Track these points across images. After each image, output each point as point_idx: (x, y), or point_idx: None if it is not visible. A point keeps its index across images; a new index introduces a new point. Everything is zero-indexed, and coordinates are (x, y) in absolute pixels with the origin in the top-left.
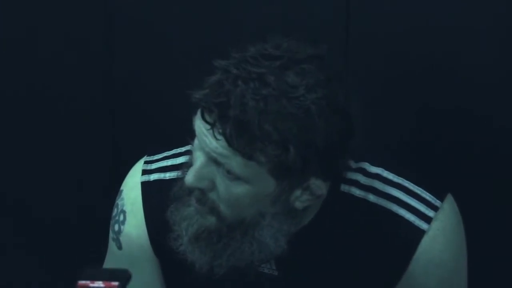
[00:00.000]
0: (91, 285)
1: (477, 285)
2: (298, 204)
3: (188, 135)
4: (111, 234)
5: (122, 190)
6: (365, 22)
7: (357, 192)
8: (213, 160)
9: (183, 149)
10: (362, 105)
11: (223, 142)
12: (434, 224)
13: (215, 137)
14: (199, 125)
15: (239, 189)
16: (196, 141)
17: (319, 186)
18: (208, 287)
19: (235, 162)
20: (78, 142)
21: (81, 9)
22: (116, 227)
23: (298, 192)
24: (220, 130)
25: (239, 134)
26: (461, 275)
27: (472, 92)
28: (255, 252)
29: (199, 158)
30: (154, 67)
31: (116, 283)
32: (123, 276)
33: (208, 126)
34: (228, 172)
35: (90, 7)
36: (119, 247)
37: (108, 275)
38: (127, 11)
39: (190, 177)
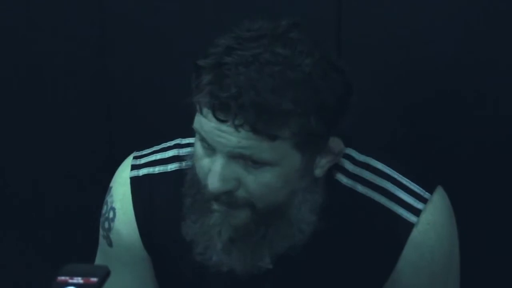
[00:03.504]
0: (70, 281)
1: (469, 280)
2: (319, 171)
3: (186, 132)
4: (101, 232)
5: (111, 187)
6: (357, 18)
7: (344, 180)
8: (235, 156)
9: (172, 143)
10: (355, 100)
11: (244, 133)
12: (423, 217)
13: (236, 130)
14: (210, 129)
15: (268, 175)
16: (200, 150)
17: (336, 142)
18: (202, 283)
19: (262, 148)
20: (74, 141)
21: (76, 6)
22: (106, 225)
23: (318, 158)
24: (242, 121)
25: (261, 118)
26: (453, 270)
27: (467, 86)
28: (295, 233)
29: (217, 162)
30: (150, 63)
31: (95, 279)
32: (101, 273)
33: (224, 125)
34: (255, 161)
35: (84, 3)
36: (110, 244)
37: (87, 272)
38: (122, 7)
39: (215, 183)
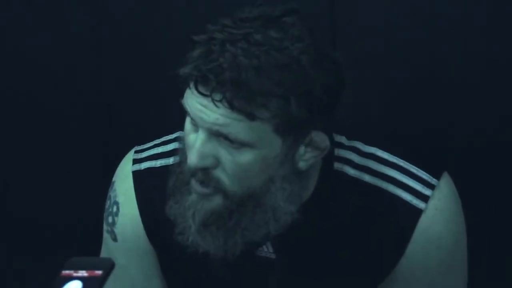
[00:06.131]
0: (75, 274)
1: (476, 267)
2: (302, 164)
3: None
4: (105, 227)
5: (114, 182)
6: (350, 11)
7: (351, 171)
8: (214, 134)
9: (172, 136)
10: (351, 91)
11: (223, 110)
12: (431, 203)
13: (215, 105)
14: (193, 103)
15: (246, 157)
16: (188, 126)
17: (321, 137)
18: (206, 274)
19: (239, 128)
20: (74, 141)
21: (75, 6)
22: (110, 219)
23: (302, 150)
24: (220, 96)
25: (239, 95)
26: (461, 256)
27: (465, 80)
28: (269, 221)
29: (198, 138)
30: (150, 63)
31: (99, 272)
32: (106, 265)
33: (205, 100)
34: (233, 141)
35: (84, 4)
36: (114, 239)
37: (91, 264)
38: (121, 7)
39: (193, 158)
